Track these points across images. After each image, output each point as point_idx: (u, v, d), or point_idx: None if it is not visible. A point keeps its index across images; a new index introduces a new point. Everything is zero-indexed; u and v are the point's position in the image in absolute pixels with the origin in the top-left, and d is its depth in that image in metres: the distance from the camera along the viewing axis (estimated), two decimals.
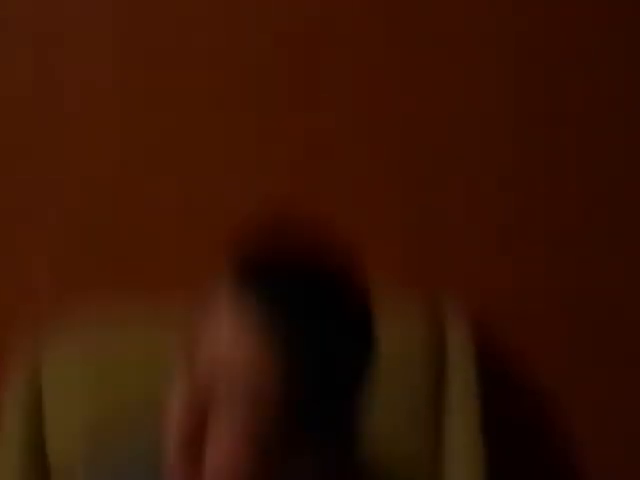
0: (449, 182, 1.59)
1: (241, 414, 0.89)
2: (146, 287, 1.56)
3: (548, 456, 1.66)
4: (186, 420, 0.89)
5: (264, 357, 0.88)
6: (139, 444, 1.14)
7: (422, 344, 1.41)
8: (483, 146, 1.57)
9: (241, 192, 1.59)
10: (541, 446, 1.65)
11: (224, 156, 1.59)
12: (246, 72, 1.54)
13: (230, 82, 1.55)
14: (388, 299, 1.35)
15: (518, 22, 1.54)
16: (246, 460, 0.90)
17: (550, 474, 1.66)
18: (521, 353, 1.61)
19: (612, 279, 1.64)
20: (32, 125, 1.55)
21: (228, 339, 0.91)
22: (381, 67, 1.55)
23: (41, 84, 1.53)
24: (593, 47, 1.54)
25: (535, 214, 1.62)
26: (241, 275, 0.94)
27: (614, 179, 1.60)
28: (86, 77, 1.54)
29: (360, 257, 1.01)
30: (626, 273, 1.64)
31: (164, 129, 1.55)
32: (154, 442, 1.02)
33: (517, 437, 1.59)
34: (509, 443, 1.53)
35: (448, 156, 1.58)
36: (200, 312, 0.97)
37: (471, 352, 1.44)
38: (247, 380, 0.89)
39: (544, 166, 1.60)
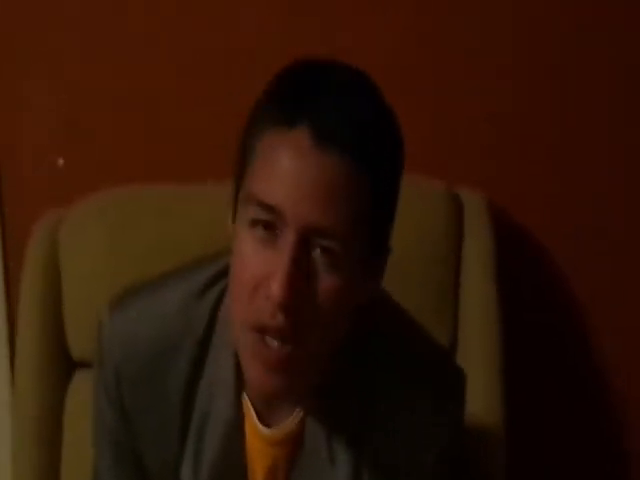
0: (474, 84, 1.61)
1: (349, 270, 0.88)
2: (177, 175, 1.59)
3: (561, 324, 1.73)
4: (291, 277, 0.85)
5: (358, 177, 0.86)
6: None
7: (439, 230, 1.46)
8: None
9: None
10: (553, 313, 1.72)
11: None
12: None
13: None
14: (415, 185, 1.40)
15: None
16: (351, 293, 0.90)
17: (562, 343, 1.72)
18: (533, 230, 1.65)
19: (613, 165, 1.67)
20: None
21: (307, 165, 0.87)
22: None
23: None
24: None
25: (545, 113, 1.65)
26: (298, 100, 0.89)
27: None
28: None
29: None
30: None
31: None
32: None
33: (529, 308, 1.64)
34: (522, 314, 1.59)
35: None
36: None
37: (487, 227, 1.50)
38: (340, 210, 0.86)
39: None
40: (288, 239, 0.84)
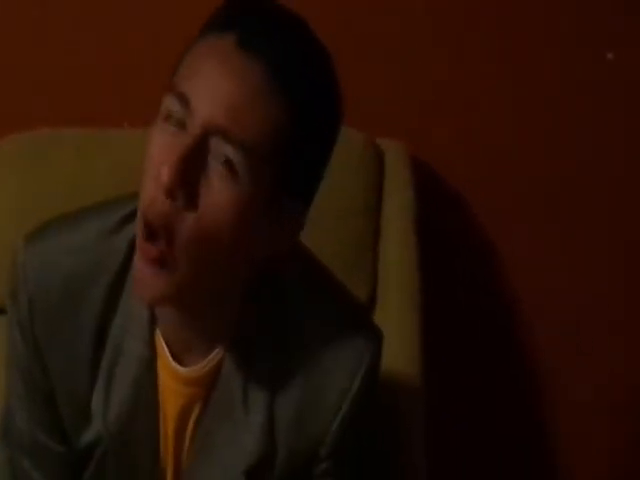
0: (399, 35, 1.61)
1: (245, 180, 0.86)
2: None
3: (479, 271, 1.78)
4: (183, 164, 0.84)
5: (275, 89, 0.86)
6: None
7: (362, 177, 1.47)
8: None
9: None
10: (471, 261, 1.77)
11: None
12: None
13: None
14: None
15: None
16: (236, 224, 0.88)
17: (480, 289, 1.76)
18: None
19: (528, 115, 1.69)
20: None
21: (227, 62, 0.87)
22: None
23: None
24: None
25: (469, 71, 1.66)
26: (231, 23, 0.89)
27: None
28: None
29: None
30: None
31: None
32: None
33: (448, 256, 1.68)
34: (441, 263, 1.62)
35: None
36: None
37: (407, 189, 1.51)
38: (248, 114, 0.86)
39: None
40: (191, 131, 0.85)
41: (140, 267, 0.90)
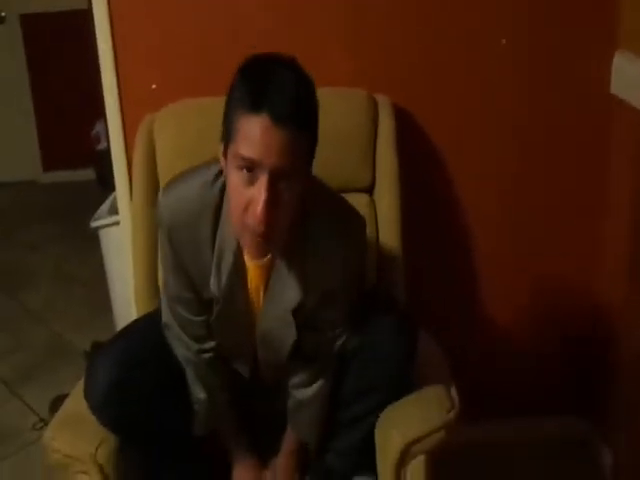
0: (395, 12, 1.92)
1: (294, 176, 1.19)
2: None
3: (441, 181, 2.06)
4: (268, 194, 1.16)
5: (295, 138, 1.17)
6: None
7: (361, 121, 1.81)
8: None
9: None
10: (436, 174, 2.06)
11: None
12: None
13: None
14: (337, 93, 1.80)
15: None
16: (299, 197, 1.22)
17: (441, 193, 2.08)
18: (431, 132, 2.02)
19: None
20: None
21: (269, 136, 1.15)
22: None
23: None
24: None
25: (453, 35, 1.94)
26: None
27: None
28: None
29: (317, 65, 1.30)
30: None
31: None
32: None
33: (419, 172, 1.99)
34: (413, 176, 1.91)
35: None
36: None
37: (392, 129, 1.83)
38: (292, 158, 1.17)
39: None
40: (263, 179, 1.16)
41: (248, 248, 1.29)
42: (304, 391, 1.48)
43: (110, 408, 1.39)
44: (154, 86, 1.91)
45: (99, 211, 2.50)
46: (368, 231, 1.53)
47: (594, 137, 2.08)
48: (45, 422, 2.53)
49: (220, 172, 1.30)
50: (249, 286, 1.38)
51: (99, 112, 2.02)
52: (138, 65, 1.92)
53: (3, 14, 4.63)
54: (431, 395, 1.49)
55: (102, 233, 2.45)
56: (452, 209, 2.13)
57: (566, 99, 2.05)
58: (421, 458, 1.44)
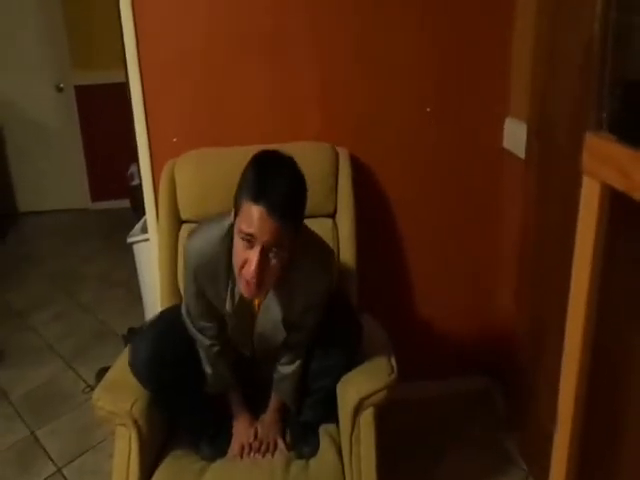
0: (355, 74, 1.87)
1: (281, 250, 1.19)
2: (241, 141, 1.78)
3: (387, 212, 2.04)
4: (258, 261, 1.17)
5: (283, 224, 1.16)
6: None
7: (327, 166, 1.81)
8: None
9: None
10: (381, 206, 2.03)
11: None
12: None
13: None
14: (311, 146, 1.81)
15: None
16: (283, 263, 1.21)
17: (384, 228, 2.05)
18: (377, 174, 2.01)
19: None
20: None
21: (263, 222, 1.14)
22: None
23: None
24: None
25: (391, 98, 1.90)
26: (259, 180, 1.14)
27: None
28: None
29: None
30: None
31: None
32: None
33: (369, 204, 1.96)
34: (365, 203, 1.89)
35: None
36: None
37: (349, 171, 1.84)
38: (279, 238, 1.16)
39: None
40: (257, 248, 1.17)
41: (245, 291, 1.25)
42: (287, 368, 1.49)
43: (148, 375, 1.40)
44: (175, 139, 1.90)
45: (133, 230, 2.49)
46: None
47: (491, 177, 2.08)
48: (92, 388, 2.52)
49: (232, 225, 1.26)
50: (253, 305, 1.40)
51: (133, 157, 1.97)
52: (163, 123, 1.90)
53: (62, 85, 4.81)
54: (377, 363, 1.49)
55: (135, 247, 2.44)
56: (392, 227, 2.11)
57: (471, 150, 2.05)
58: (371, 410, 1.44)
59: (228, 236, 1.27)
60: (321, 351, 1.45)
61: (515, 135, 1.92)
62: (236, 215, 1.18)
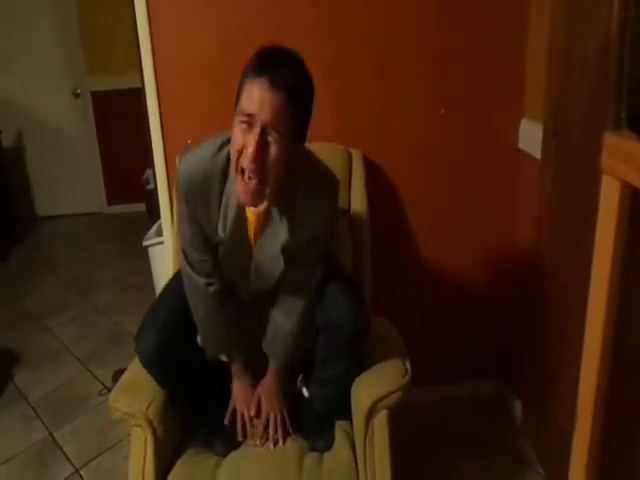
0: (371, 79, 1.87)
1: (281, 134, 1.12)
2: None
3: (395, 210, 2.05)
4: (257, 140, 1.09)
5: (285, 100, 1.10)
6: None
7: (342, 165, 1.82)
8: None
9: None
10: (391, 205, 2.02)
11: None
12: None
13: None
14: (324, 147, 1.72)
15: None
16: (285, 156, 1.15)
17: (395, 223, 2.05)
18: (390, 175, 2.02)
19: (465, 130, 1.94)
20: None
21: (264, 94, 1.08)
22: None
23: None
24: None
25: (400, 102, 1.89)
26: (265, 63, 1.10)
27: None
28: None
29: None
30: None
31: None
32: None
33: (380, 203, 1.94)
34: (377, 203, 1.90)
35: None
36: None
37: (362, 173, 1.86)
38: (280, 116, 1.09)
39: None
40: (256, 130, 1.11)
41: (242, 192, 1.17)
42: (281, 320, 1.41)
43: (154, 362, 1.38)
44: (189, 141, 1.85)
45: (148, 234, 2.50)
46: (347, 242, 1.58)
47: (506, 179, 2.07)
48: (108, 389, 2.54)
49: (226, 142, 1.22)
50: (249, 230, 1.33)
51: (148, 162, 1.99)
52: (178, 128, 1.91)
53: (79, 91, 4.88)
54: (391, 365, 1.47)
55: (150, 250, 2.45)
56: (405, 229, 2.11)
57: (486, 152, 2.04)
58: (384, 412, 1.43)
59: (222, 152, 1.22)
60: (324, 341, 1.39)
61: (531, 136, 1.91)
62: (236, 106, 1.14)
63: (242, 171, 1.13)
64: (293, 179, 1.21)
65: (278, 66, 1.09)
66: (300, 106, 1.14)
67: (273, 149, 1.11)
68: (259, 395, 1.48)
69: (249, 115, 1.09)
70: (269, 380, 1.48)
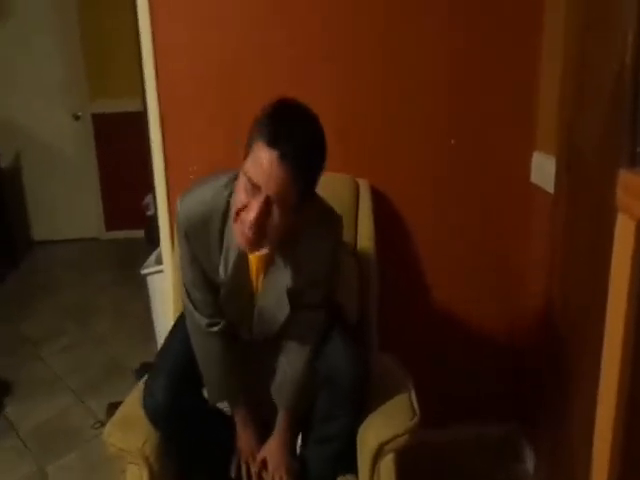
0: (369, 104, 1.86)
1: (285, 206, 1.11)
2: None
3: (402, 241, 2.03)
4: (260, 210, 1.10)
5: (293, 177, 1.08)
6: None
7: (348, 196, 1.83)
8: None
9: None
10: (399, 235, 2.02)
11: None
12: None
13: None
14: (331, 177, 1.51)
15: None
16: (286, 222, 1.15)
17: (402, 249, 2.04)
18: (399, 206, 2.02)
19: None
20: None
21: (272, 168, 1.06)
22: None
23: None
24: None
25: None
26: (272, 126, 1.07)
27: None
28: None
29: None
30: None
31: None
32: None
33: (387, 232, 1.91)
34: (384, 231, 1.86)
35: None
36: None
37: (369, 204, 1.84)
38: (286, 191, 1.09)
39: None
40: (260, 197, 1.10)
41: (241, 240, 1.17)
42: (288, 368, 1.41)
43: (163, 421, 1.39)
44: (192, 169, 1.90)
45: (147, 262, 2.48)
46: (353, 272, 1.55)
47: (518, 213, 2.06)
48: (102, 423, 2.49)
49: (228, 182, 1.22)
50: (250, 272, 1.32)
51: (149, 187, 2.00)
52: (180, 153, 1.91)
53: (79, 114, 4.89)
54: (398, 406, 1.45)
55: (149, 279, 2.43)
56: (414, 260, 2.09)
57: (498, 185, 2.03)
58: (391, 455, 1.41)
59: (222, 194, 1.22)
60: (325, 395, 1.39)
61: (543, 169, 1.91)
62: (246, 155, 1.12)
63: (243, 234, 1.14)
64: (297, 226, 1.22)
65: (290, 137, 1.06)
66: (309, 178, 1.13)
67: (276, 216, 1.11)
68: (264, 456, 1.47)
69: (255, 185, 1.09)
70: (275, 441, 1.47)
